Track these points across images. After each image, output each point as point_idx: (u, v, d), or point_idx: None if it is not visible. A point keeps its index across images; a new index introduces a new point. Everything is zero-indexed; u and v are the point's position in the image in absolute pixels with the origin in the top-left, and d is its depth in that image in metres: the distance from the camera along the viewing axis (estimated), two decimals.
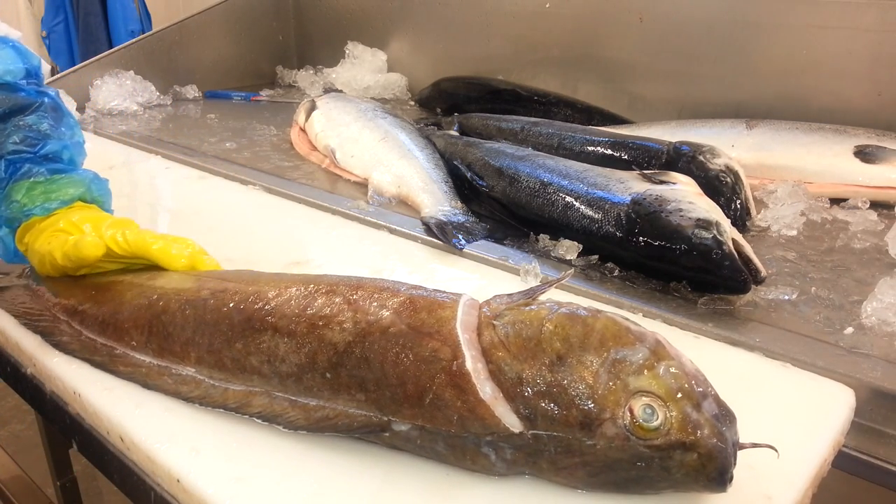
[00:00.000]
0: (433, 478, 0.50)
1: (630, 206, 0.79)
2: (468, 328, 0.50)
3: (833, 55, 1.20)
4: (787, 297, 0.75)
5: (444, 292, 0.55)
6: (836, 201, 1.04)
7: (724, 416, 0.45)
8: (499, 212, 0.96)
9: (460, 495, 0.48)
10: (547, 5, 1.52)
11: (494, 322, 0.50)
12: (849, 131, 1.09)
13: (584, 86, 1.50)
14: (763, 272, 0.73)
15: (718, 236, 0.72)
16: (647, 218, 0.77)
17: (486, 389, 0.47)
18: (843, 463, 0.57)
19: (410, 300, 0.53)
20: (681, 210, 0.76)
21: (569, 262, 0.83)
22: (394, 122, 1.22)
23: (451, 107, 1.55)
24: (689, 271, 0.74)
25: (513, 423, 0.46)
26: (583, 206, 0.84)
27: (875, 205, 1.01)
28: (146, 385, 0.60)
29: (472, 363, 0.48)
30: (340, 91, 1.54)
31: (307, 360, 0.53)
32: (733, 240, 0.73)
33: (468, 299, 0.54)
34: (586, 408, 0.45)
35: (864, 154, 1.05)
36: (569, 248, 0.84)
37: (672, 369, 0.45)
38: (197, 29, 1.81)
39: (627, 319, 0.49)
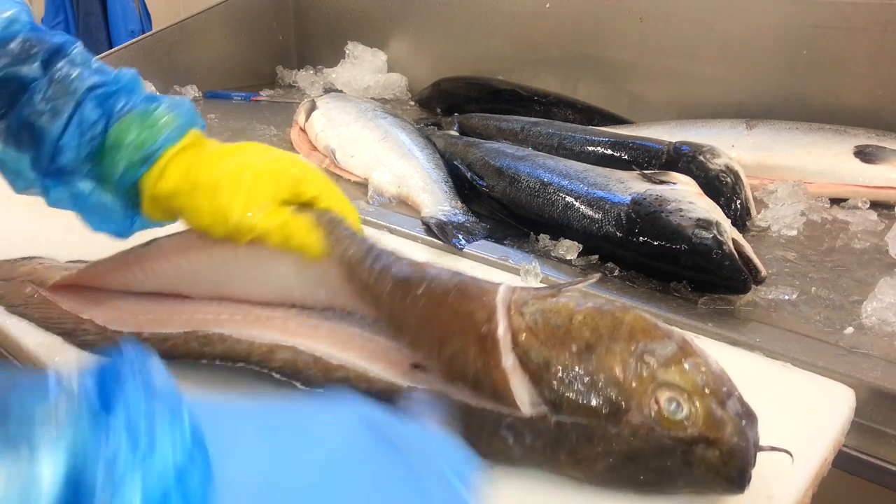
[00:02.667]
0: None
1: (630, 206, 0.79)
2: (506, 305, 0.51)
3: (833, 55, 1.19)
4: (787, 297, 0.75)
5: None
6: (836, 201, 1.04)
7: (747, 415, 0.45)
8: (499, 212, 0.96)
9: None
10: (547, 5, 1.52)
11: (522, 309, 0.51)
12: (849, 131, 1.09)
13: (584, 86, 1.50)
14: (763, 272, 0.73)
15: (718, 236, 0.72)
16: (647, 218, 0.77)
17: (508, 360, 0.47)
18: (843, 463, 0.57)
19: (459, 276, 0.54)
20: (681, 210, 0.76)
21: (569, 262, 0.83)
22: (394, 122, 1.22)
23: (451, 107, 1.54)
24: (690, 271, 0.74)
25: (522, 401, 0.47)
26: (583, 206, 0.84)
27: (875, 205, 1.01)
28: (172, 356, 0.58)
29: (504, 332, 0.49)
30: (340, 91, 1.54)
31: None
32: (733, 240, 0.73)
33: (506, 286, 0.54)
34: (613, 396, 0.45)
35: (864, 154, 1.05)
36: (569, 248, 0.84)
37: (699, 366, 0.46)
38: (197, 29, 1.81)
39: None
